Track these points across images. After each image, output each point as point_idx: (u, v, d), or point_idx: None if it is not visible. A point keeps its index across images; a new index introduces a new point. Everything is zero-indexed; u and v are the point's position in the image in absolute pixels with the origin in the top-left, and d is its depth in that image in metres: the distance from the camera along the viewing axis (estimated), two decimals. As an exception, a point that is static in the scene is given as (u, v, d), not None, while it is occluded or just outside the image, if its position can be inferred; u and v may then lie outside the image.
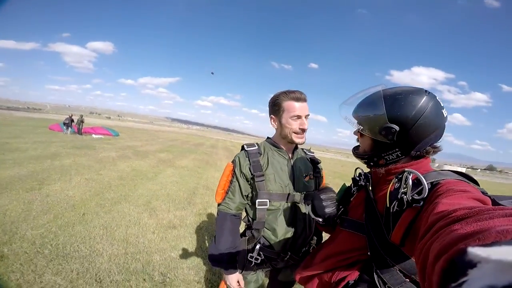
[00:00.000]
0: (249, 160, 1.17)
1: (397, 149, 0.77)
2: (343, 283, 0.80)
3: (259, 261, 1.19)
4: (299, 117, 1.14)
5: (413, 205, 0.65)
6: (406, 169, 0.70)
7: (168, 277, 2.30)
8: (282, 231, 1.18)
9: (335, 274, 0.84)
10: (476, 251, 0.24)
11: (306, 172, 1.25)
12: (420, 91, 0.75)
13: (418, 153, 0.77)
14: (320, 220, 0.96)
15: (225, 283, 1.27)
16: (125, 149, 11.31)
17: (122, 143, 13.70)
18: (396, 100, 0.74)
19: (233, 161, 1.21)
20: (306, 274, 0.95)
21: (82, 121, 15.75)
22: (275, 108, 1.18)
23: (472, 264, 0.24)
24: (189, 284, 2.25)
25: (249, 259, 1.19)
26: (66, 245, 2.59)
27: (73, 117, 15.57)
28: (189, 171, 7.78)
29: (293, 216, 1.19)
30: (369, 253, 0.77)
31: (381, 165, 0.83)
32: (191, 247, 2.91)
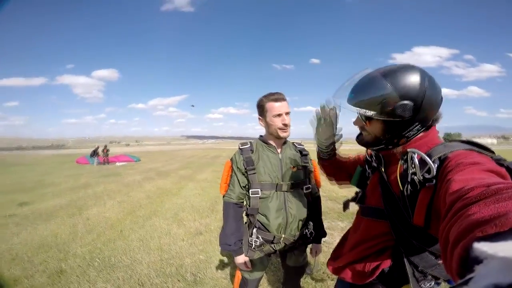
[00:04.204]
0: (242, 156, 1.36)
1: (417, 123, 0.73)
2: (377, 271, 0.78)
3: (258, 243, 1.34)
4: (279, 115, 1.30)
5: (426, 184, 0.62)
6: (408, 149, 0.68)
7: (199, 277, 2.54)
8: (273, 216, 1.31)
9: (368, 263, 0.82)
10: (482, 247, 0.24)
11: (294, 163, 1.39)
12: (409, 65, 0.74)
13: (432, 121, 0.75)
14: (324, 149, 1.08)
15: (239, 269, 1.45)
16: (148, 171, 11.82)
17: (144, 167, 14.29)
18: (396, 77, 0.71)
19: (231, 159, 1.41)
20: (337, 264, 0.95)
21: (107, 151, 16.82)
22: (260, 110, 1.36)
23: (478, 260, 0.23)
24: (217, 280, 2.48)
25: (250, 242, 1.35)
26: (111, 257, 2.97)
27: (98, 149, 16.52)
28: (209, 183, 8.06)
29: (283, 203, 1.33)
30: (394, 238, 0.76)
31: (401, 144, 0.78)
32: (217, 249, 3.14)
